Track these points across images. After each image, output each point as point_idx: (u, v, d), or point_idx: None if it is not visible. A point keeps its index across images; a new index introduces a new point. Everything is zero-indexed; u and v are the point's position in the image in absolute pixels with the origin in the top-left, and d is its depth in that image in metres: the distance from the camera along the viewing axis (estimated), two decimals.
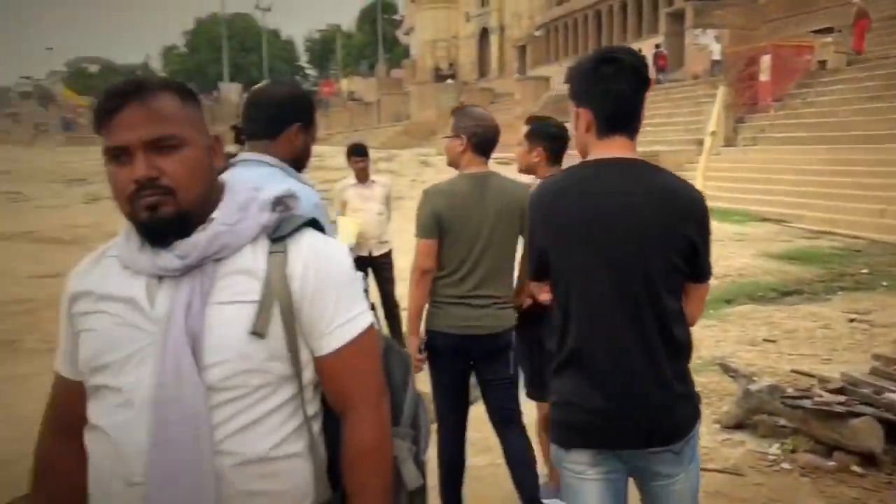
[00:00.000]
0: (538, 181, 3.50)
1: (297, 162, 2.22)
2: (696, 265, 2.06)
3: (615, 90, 2.03)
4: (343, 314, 1.47)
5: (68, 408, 1.52)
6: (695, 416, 2.10)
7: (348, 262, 1.53)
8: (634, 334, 2.00)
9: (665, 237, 2.00)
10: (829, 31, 22.28)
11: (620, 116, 2.06)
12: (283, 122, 2.19)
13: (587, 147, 2.11)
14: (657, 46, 33.48)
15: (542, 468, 3.67)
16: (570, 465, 2.08)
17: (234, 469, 1.36)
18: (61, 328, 1.53)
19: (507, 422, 3.50)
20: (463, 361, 3.43)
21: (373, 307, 5.05)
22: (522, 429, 3.53)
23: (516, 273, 3.57)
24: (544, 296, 2.23)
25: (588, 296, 2.03)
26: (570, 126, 2.15)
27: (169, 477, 1.33)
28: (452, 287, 3.33)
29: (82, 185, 22.67)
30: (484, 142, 3.38)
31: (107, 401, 1.40)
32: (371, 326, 1.52)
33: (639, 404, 2.01)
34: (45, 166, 28.49)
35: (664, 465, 2.05)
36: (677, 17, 34.74)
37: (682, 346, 2.07)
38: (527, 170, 3.74)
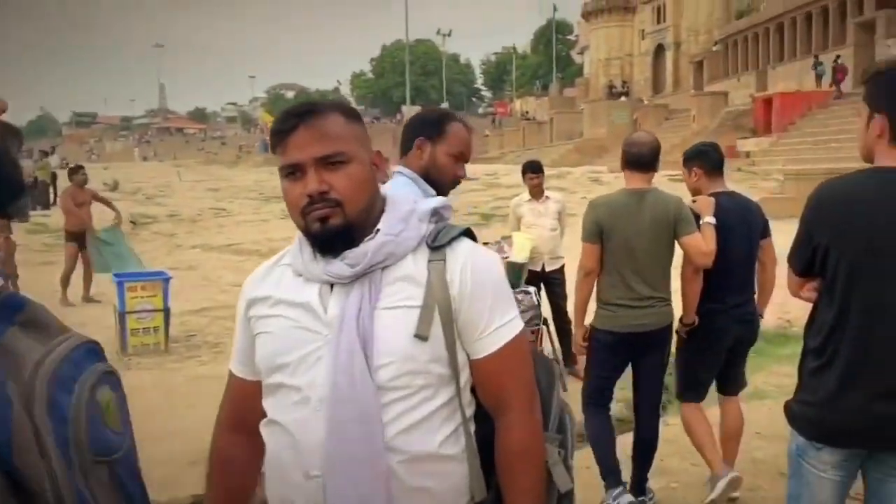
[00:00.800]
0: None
1: (429, 174, 2.37)
2: None
3: None
4: (498, 319, 1.51)
5: (242, 405, 1.63)
6: None
7: (501, 269, 1.59)
8: None
9: None
10: None
11: None
12: (412, 137, 2.41)
13: (872, 152, 2.13)
14: (837, 59, 31.35)
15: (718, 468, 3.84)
16: (816, 462, 2.17)
17: (402, 465, 1.42)
18: (237, 331, 1.64)
19: (649, 405, 3.91)
20: (623, 355, 3.84)
21: (545, 322, 5.23)
22: (658, 415, 4.01)
23: (682, 288, 3.81)
24: (807, 293, 2.26)
25: (871, 299, 2.06)
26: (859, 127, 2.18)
27: (344, 471, 1.40)
28: (618, 290, 3.71)
29: (278, 202, 24.18)
30: (634, 160, 3.76)
31: (285, 398, 1.49)
32: (523, 332, 1.55)
33: None
34: (246, 185, 30.70)
35: None
36: (867, 28, 32.29)
37: None
38: (694, 192, 3.97)
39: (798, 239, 2.22)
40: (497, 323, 1.51)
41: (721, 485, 3.71)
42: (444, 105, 62.99)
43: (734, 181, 20.81)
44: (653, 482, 4.00)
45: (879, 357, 2.06)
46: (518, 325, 1.54)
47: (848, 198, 2.12)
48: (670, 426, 4.74)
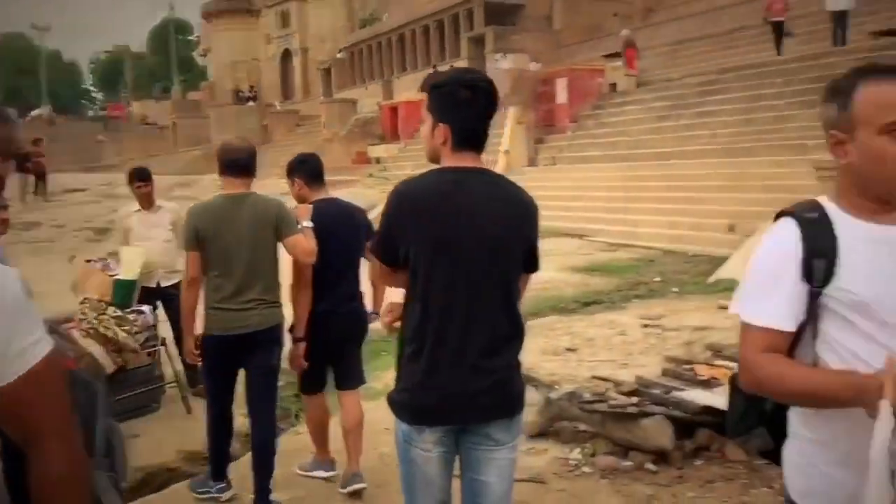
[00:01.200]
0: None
1: None
2: (532, 259, 2.54)
3: (471, 112, 2.39)
4: (17, 343, 1.37)
5: None
6: (524, 389, 2.52)
7: (18, 287, 1.42)
8: (489, 320, 2.37)
9: (517, 237, 2.45)
10: (618, 55, 23.93)
11: (473, 135, 2.42)
12: None
13: (439, 155, 2.43)
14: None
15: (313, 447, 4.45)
16: (421, 443, 2.40)
17: None
18: None
19: (262, 408, 4.05)
20: (233, 356, 3.99)
21: (163, 342, 5.00)
22: (274, 417, 4.17)
23: (292, 302, 4.10)
24: (389, 317, 2.51)
25: (449, 288, 2.34)
26: (423, 131, 2.46)
27: None
28: (222, 293, 3.86)
29: None
30: (232, 165, 3.93)
31: None
32: (51, 354, 1.42)
33: (491, 382, 2.37)
34: None
35: (498, 431, 2.43)
36: (478, 42, 36.11)
37: (522, 329, 2.51)
38: (300, 200, 4.29)
39: (380, 231, 2.47)
40: (16, 348, 1.36)
41: (319, 473, 4.37)
42: (45, 107, 57.68)
43: (367, 186, 21.93)
44: (281, 493, 4.02)
45: (456, 343, 2.34)
46: (45, 346, 1.41)
47: (422, 196, 2.40)
48: (301, 435, 4.80)
